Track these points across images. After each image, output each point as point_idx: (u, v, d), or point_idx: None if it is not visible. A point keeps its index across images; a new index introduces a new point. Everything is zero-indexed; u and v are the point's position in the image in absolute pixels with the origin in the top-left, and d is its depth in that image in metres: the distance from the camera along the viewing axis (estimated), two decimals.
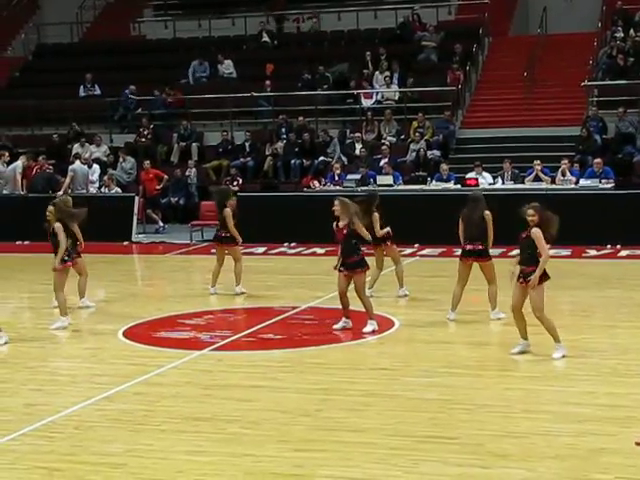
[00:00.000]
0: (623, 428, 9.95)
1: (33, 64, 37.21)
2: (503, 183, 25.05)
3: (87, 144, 30.49)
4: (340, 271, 14.76)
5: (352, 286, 14.70)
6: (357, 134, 29.33)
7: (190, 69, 33.58)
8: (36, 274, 21.54)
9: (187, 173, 29.16)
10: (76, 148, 30.07)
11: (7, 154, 28.70)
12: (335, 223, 14.87)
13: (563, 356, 12.81)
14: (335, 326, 15.04)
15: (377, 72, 31.26)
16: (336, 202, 14.87)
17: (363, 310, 14.84)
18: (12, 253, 24.28)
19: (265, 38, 34.82)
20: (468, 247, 15.12)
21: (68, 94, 33.30)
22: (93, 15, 39.23)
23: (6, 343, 14.41)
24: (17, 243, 25.39)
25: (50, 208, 15.87)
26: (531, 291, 12.69)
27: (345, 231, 14.73)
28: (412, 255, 21.64)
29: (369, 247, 17.27)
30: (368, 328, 14.76)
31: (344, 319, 14.96)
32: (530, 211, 12.80)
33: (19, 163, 28.37)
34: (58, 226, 15.63)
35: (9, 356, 13.88)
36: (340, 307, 14.95)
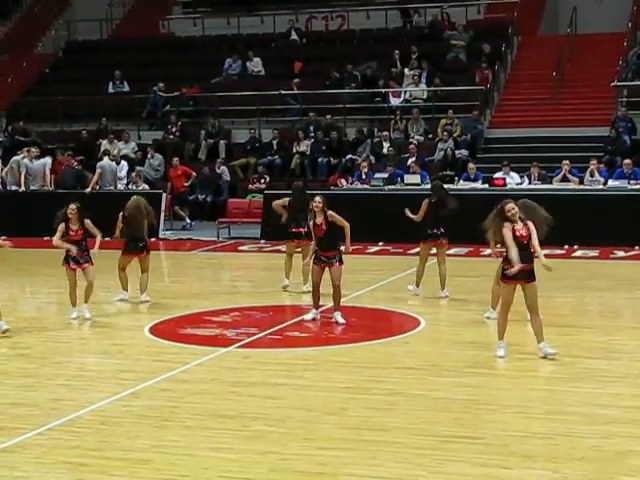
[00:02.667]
0: None
1: (63, 60, 37.41)
2: (530, 183, 24.97)
3: (115, 141, 30.60)
4: (316, 264, 15.30)
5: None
6: (385, 133, 29.33)
7: (225, 66, 33.64)
8: (63, 269, 21.65)
9: (218, 171, 29.25)
10: (104, 145, 30.20)
11: (35, 150, 28.84)
12: (312, 220, 15.28)
13: (554, 353, 12.74)
14: (305, 317, 15.53)
15: (406, 70, 31.25)
16: (318, 199, 15.24)
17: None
18: (40, 249, 24.36)
19: (294, 36, 34.87)
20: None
21: (97, 91, 33.49)
22: (122, 12, 39.44)
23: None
24: (45, 239, 25.46)
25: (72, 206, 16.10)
26: (531, 285, 12.62)
27: (325, 227, 15.11)
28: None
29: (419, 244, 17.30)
30: (340, 318, 15.20)
31: (315, 310, 15.50)
32: (511, 204, 12.70)
33: (48, 160, 28.55)
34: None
35: (36, 351, 13.93)
36: (332, 302, 15.52)
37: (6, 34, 40.00)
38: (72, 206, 15.65)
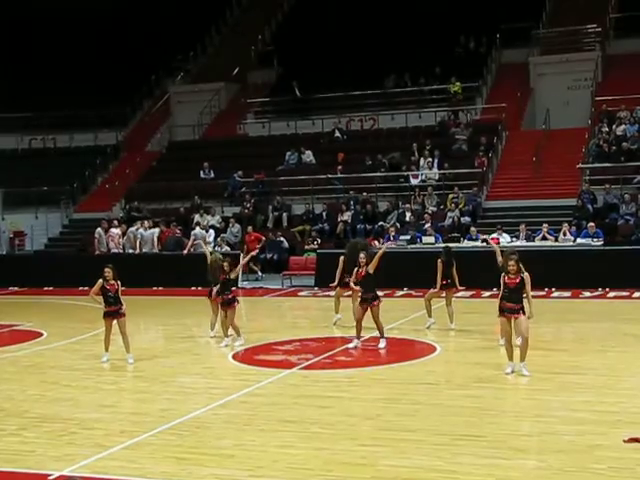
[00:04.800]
0: (613, 429, 9.80)
1: (166, 156, 37.81)
2: (520, 240, 24.86)
3: (205, 214, 30.83)
4: (360, 305, 15.29)
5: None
6: (407, 205, 29.37)
7: (286, 157, 33.88)
8: (167, 311, 21.82)
9: (279, 238, 29.36)
10: (197, 217, 30.44)
11: (147, 222, 29.13)
12: (357, 269, 15.35)
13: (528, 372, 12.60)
14: (349, 345, 15.40)
15: (421, 159, 31.33)
16: (362, 255, 15.37)
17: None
18: (150, 296, 24.55)
19: (337, 134, 35.06)
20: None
21: (191, 177, 33.78)
22: (210, 119, 39.84)
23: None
24: (154, 288, 25.67)
25: (225, 263, 16.31)
26: (522, 318, 12.50)
27: (364, 274, 15.17)
28: None
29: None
30: (382, 344, 15.23)
31: (357, 340, 15.38)
32: (512, 262, 12.66)
33: (157, 230, 28.82)
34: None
35: (148, 373, 14.00)
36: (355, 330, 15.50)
37: (125, 137, 40.57)
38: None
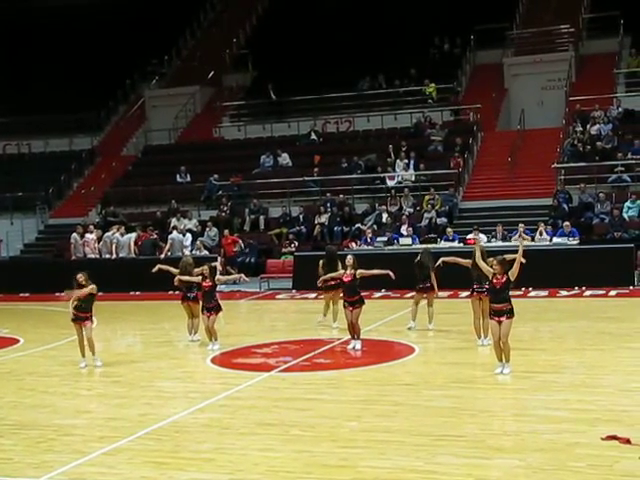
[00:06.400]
0: (591, 427, 9.83)
1: (142, 160, 37.71)
2: (497, 240, 24.96)
3: (182, 218, 30.76)
4: (345, 307, 15.38)
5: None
6: (383, 207, 29.41)
7: (261, 160, 33.88)
8: (145, 316, 21.70)
9: (250, 241, 29.30)
10: (174, 221, 30.35)
11: (124, 227, 29.05)
12: (345, 271, 15.47)
13: (510, 372, 12.68)
14: (348, 346, 15.41)
15: (398, 160, 31.38)
16: (349, 257, 15.45)
17: (367, 338, 15.80)
18: (127, 301, 24.45)
19: (313, 136, 35.09)
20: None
21: (167, 181, 33.70)
22: (185, 123, 39.77)
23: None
24: (131, 293, 25.55)
25: (205, 267, 16.19)
26: (505, 322, 12.55)
27: (351, 278, 15.25)
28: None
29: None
30: (357, 345, 15.30)
31: (354, 341, 15.41)
32: (495, 261, 12.77)
33: (133, 234, 28.72)
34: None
35: (126, 378, 13.93)
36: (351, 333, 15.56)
37: (100, 142, 40.41)
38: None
